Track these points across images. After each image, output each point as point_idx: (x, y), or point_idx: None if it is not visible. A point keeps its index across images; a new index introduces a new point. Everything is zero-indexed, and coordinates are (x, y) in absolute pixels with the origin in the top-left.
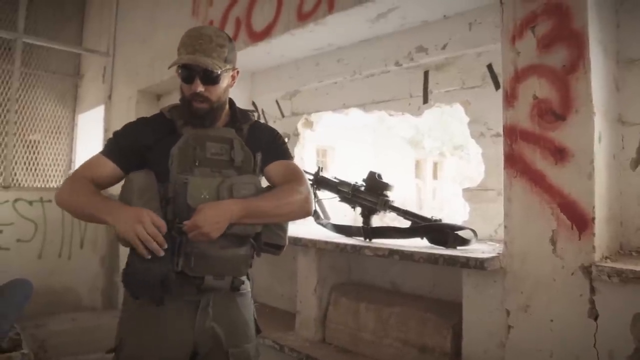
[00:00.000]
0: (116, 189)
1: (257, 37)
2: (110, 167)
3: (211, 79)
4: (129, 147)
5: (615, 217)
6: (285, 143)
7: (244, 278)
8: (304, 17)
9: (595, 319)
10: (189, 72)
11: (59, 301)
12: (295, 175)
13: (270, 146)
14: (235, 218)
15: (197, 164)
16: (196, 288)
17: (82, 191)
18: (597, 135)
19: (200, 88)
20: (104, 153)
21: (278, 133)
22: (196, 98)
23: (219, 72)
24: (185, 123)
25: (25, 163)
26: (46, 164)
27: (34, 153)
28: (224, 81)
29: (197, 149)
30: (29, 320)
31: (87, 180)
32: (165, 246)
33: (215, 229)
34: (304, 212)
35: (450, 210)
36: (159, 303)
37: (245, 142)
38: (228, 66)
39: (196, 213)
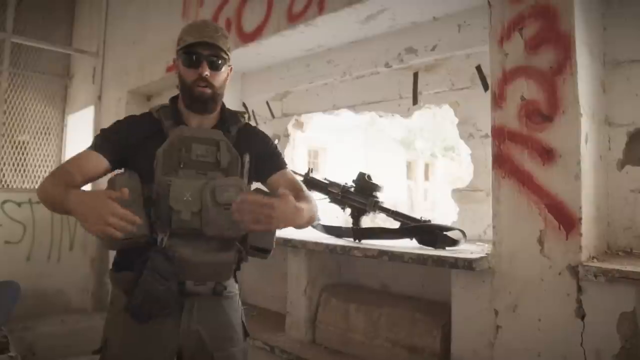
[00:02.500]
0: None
1: (248, 38)
2: (98, 161)
3: (216, 65)
4: (118, 142)
5: (602, 217)
6: (277, 148)
7: (229, 282)
8: (294, 18)
9: (583, 318)
10: (195, 57)
11: (47, 303)
12: (300, 185)
13: (266, 155)
14: (303, 222)
15: (181, 165)
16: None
17: (57, 183)
18: (584, 136)
19: (207, 72)
20: (92, 148)
21: (270, 139)
22: (200, 83)
23: (226, 58)
24: (172, 124)
25: (13, 164)
26: (35, 165)
27: (22, 154)
28: (225, 71)
29: (183, 150)
30: (17, 323)
31: (65, 171)
32: (140, 220)
33: (282, 222)
34: (314, 219)
35: (442, 211)
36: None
37: (234, 145)
38: (229, 57)
39: (281, 198)
